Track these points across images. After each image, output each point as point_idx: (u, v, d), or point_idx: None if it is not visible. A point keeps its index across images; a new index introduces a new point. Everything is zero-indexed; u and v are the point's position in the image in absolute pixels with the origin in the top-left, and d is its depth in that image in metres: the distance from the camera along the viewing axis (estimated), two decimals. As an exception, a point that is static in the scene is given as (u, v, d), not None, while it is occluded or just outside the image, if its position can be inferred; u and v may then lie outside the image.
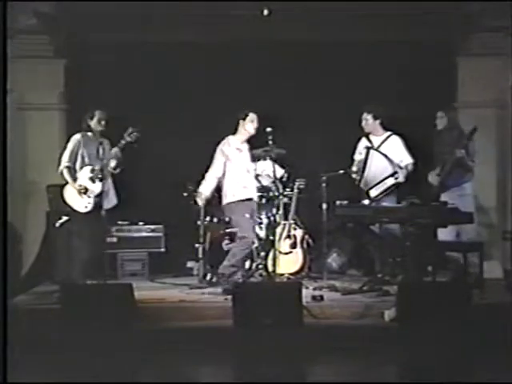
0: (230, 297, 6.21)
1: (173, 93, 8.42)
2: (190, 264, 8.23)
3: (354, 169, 7.59)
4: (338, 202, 7.06)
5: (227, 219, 7.53)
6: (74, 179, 7.03)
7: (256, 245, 7.49)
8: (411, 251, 6.90)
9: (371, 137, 7.59)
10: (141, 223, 8.32)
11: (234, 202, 7.20)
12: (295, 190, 7.80)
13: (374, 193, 7.31)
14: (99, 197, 6.93)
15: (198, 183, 7.50)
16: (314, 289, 7.13)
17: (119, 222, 8.21)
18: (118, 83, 8.32)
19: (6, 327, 5.23)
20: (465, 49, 8.29)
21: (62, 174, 7.08)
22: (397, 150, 7.47)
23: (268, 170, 7.37)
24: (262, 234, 7.73)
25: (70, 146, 7.12)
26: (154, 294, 7.09)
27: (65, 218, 7.21)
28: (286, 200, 7.81)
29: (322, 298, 6.66)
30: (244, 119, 7.22)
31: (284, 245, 7.83)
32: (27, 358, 5.45)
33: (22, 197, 8.17)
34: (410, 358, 5.65)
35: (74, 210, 7.01)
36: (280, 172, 7.62)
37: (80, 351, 5.58)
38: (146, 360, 5.53)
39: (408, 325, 5.89)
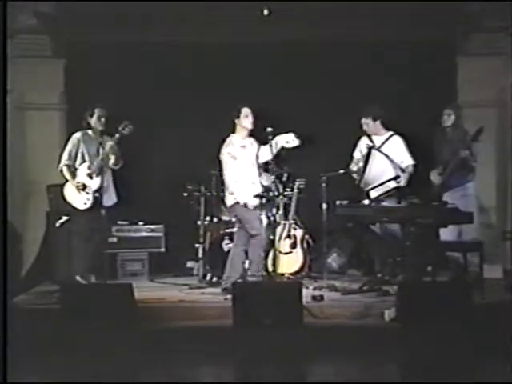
0: (229, 296, 6.21)
1: (173, 93, 8.41)
2: (189, 264, 8.22)
3: (354, 168, 7.59)
4: (338, 202, 7.07)
5: (234, 219, 7.40)
6: (74, 177, 7.06)
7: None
8: (411, 251, 6.90)
9: (373, 136, 7.58)
10: (141, 223, 8.31)
11: (238, 203, 6.96)
12: (295, 190, 7.80)
13: (374, 194, 7.30)
14: (98, 193, 6.93)
15: (198, 183, 7.49)
16: (314, 289, 7.14)
17: (119, 222, 8.20)
18: (117, 83, 8.32)
19: (6, 327, 5.24)
20: (465, 49, 8.29)
21: (61, 172, 7.14)
22: (398, 151, 7.46)
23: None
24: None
25: (70, 144, 7.17)
26: (154, 293, 7.09)
27: (65, 218, 7.23)
28: (286, 200, 7.81)
29: (322, 297, 6.67)
30: (238, 117, 7.12)
31: (284, 245, 7.83)
32: (27, 358, 5.45)
33: (22, 197, 8.18)
34: (410, 357, 5.64)
35: (74, 208, 7.03)
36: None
37: (80, 351, 5.58)
38: (146, 360, 5.53)
39: (408, 325, 5.89)
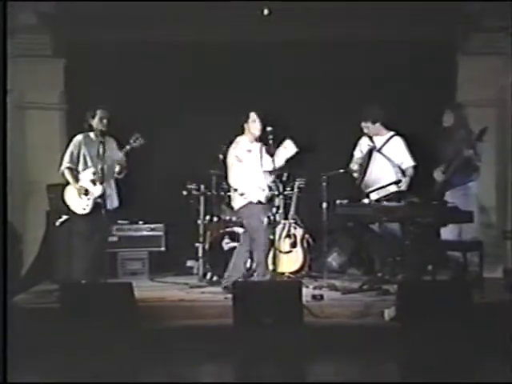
0: (230, 296, 6.21)
1: (173, 92, 8.42)
2: (190, 263, 8.23)
3: (355, 167, 7.58)
4: (338, 201, 7.08)
5: (244, 220, 7.23)
6: (76, 180, 7.04)
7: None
8: (411, 250, 6.91)
9: (374, 137, 7.57)
10: (141, 222, 8.32)
11: (246, 205, 6.95)
12: (295, 189, 7.80)
13: (374, 196, 7.28)
14: (99, 199, 6.92)
15: (198, 182, 7.48)
16: (314, 288, 7.15)
17: (119, 221, 8.20)
18: (117, 83, 8.32)
19: (6, 327, 5.24)
20: (465, 48, 8.29)
21: (62, 174, 7.10)
22: (399, 152, 7.45)
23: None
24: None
25: (72, 146, 7.13)
26: (154, 292, 7.10)
27: (65, 217, 7.22)
28: (286, 199, 7.81)
29: (322, 297, 6.67)
30: (246, 121, 7.09)
31: (284, 244, 7.83)
32: (27, 358, 5.44)
33: (22, 197, 8.18)
34: (410, 356, 5.64)
35: (72, 212, 7.01)
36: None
37: (80, 350, 5.58)
38: (146, 359, 5.53)
39: (408, 324, 5.90)
